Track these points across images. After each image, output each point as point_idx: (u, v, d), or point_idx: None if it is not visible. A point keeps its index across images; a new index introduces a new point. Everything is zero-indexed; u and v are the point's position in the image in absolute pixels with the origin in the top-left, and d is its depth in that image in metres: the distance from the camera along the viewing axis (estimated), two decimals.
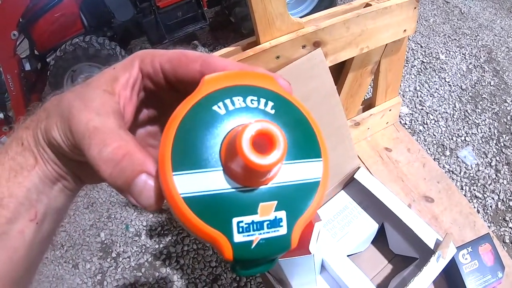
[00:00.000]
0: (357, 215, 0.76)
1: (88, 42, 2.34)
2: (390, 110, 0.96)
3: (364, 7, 0.73)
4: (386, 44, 0.79)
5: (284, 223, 0.18)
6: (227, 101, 0.18)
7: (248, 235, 0.17)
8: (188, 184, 0.17)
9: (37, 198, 0.24)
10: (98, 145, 0.19)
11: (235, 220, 0.17)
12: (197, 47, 2.94)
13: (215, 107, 0.18)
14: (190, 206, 0.17)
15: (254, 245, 0.17)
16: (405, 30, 0.77)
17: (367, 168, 0.92)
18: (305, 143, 0.19)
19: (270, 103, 0.19)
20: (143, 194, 0.19)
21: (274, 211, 0.18)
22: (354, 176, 0.78)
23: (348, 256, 0.72)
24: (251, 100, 0.19)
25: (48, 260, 1.75)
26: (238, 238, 0.17)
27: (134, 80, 0.23)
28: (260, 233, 0.18)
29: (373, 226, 0.74)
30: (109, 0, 2.31)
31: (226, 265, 1.59)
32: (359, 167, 0.79)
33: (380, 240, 0.76)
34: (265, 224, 0.18)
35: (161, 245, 1.72)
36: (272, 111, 0.19)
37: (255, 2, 0.60)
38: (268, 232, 0.18)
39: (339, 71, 0.84)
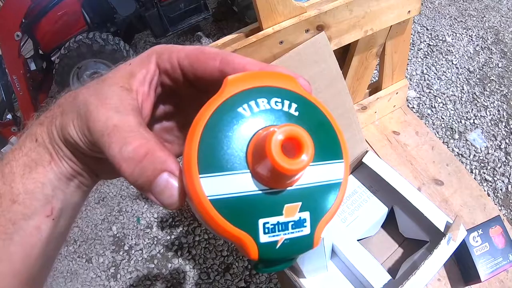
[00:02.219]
0: (367, 199, 0.76)
1: (92, 38, 2.34)
2: (397, 93, 0.95)
3: None
4: (391, 26, 0.78)
5: (307, 223, 0.18)
6: (252, 103, 0.18)
7: (273, 236, 0.18)
8: (214, 186, 0.17)
9: (53, 194, 0.24)
10: (119, 143, 0.19)
11: (261, 221, 0.18)
12: (201, 38, 2.92)
13: (240, 109, 0.18)
14: (217, 208, 0.17)
15: (279, 245, 0.18)
16: (409, 11, 0.76)
17: (376, 152, 0.91)
18: (328, 145, 0.20)
19: (294, 105, 0.19)
20: (164, 193, 0.19)
21: (299, 212, 0.18)
22: (363, 160, 0.78)
23: (358, 240, 0.72)
24: (275, 102, 0.19)
25: (62, 255, 1.79)
26: (264, 238, 0.18)
27: (151, 76, 0.23)
28: (285, 234, 0.18)
29: (383, 210, 0.74)
30: None
31: (238, 254, 1.60)
32: (367, 151, 0.78)
33: (390, 224, 0.76)
34: (289, 224, 0.18)
35: (173, 236, 1.73)
36: (296, 113, 0.19)
37: None
38: (293, 233, 0.18)
39: (344, 55, 0.83)
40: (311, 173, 0.19)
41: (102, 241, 1.81)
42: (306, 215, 0.18)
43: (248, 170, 0.18)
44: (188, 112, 0.26)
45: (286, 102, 0.19)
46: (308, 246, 0.19)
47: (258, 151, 0.17)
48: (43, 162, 0.23)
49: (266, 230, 0.18)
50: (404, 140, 0.92)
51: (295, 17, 0.67)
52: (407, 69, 2.14)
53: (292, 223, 0.18)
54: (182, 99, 0.26)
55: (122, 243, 1.79)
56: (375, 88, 0.96)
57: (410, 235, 0.73)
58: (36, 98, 2.58)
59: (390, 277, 0.63)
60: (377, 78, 0.96)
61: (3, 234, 0.22)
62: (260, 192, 0.18)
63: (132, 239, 1.80)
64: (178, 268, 1.62)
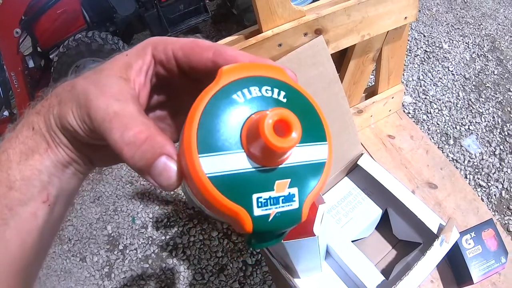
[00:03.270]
0: (361, 201, 0.77)
1: (91, 37, 2.34)
2: (392, 97, 0.96)
3: None
4: (388, 31, 0.79)
5: (296, 198, 0.20)
6: (245, 91, 0.20)
7: (266, 209, 0.19)
8: (212, 165, 0.18)
9: (49, 181, 0.24)
10: (120, 129, 0.20)
11: (255, 196, 0.19)
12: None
13: (234, 96, 0.20)
14: (215, 185, 0.18)
15: (271, 218, 0.20)
16: (406, 17, 0.77)
17: (371, 155, 0.92)
18: (313, 128, 0.22)
19: (283, 93, 0.21)
20: (162, 175, 0.20)
21: (288, 187, 0.20)
22: (358, 163, 0.79)
23: (352, 241, 0.73)
24: (266, 89, 0.21)
25: (56, 254, 1.78)
26: (257, 212, 0.19)
27: (147, 67, 0.24)
28: (276, 207, 0.20)
29: (377, 212, 0.75)
30: None
31: (232, 255, 1.61)
32: (362, 154, 0.80)
33: (384, 226, 0.77)
34: (280, 199, 0.20)
35: (168, 237, 1.74)
36: (285, 100, 0.21)
37: None
38: (283, 206, 0.20)
39: (341, 59, 0.84)
40: (299, 153, 0.20)
41: (97, 240, 1.81)
42: (294, 190, 0.20)
43: (243, 150, 0.19)
44: (180, 101, 0.28)
45: (276, 90, 0.21)
46: (297, 219, 0.20)
47: (252, 132, 0.18)
48: (39, 149, 0.24)
49: (259, 204, 0.19)
50: (399, 144, 0.93)
51: (294, 21, 0.68)
52: (403, 75, 2.17)
53: (283, 197, 0.20)
54: (175, 88, 0.27)
55: (117, 243, 1.79)
56: (371, 92, 0.97)
57: (403, 237, 0.74)
58: (34, 95, 2.57)
59: (384, 278, 0.64)
60: (373, 83, 0.98)
61: (0, 220, 0.22)
62: (254, 169, 0.19)
63: (127, 238, 1.79)
64: (172, 268, 1.62)
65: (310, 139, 0.21)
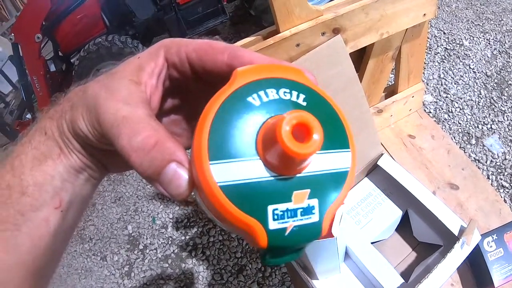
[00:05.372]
0: (381, 202, 0.76)
1: (110, 41, 2.39)
2: (413, 96, 0.95)
3: None
4: (406, 29, 0.78)
5: (316, 210, 0.18)
6: (261, 93, 0.19)
7: (282, 222, 0.18)
8: (224, 173, 0.17)
9: (62, 187, 0.24)
10: (128, 134, 0.19)
11: (270, 208, 0.17)
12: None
13: (249, 99, 0.18)
14: (226, 194, 0.17)
15: (288, 232, 0.18)
16: (425, 14, 0.76)
17: (391, 155, 0.91)
18: (335, 134, 0.20)
19: (302, 96, 0.20)
20: (172, 183, 0.19)
21: (307, 199, 0.18)
22: (378, 163, 0.78)
23: (372, 243, 0.72)
24: (284, 92, 0.19)
25: (77, 253, 1.83)
26: (273, 225, 0.17)
27: (159, 70, 0.23)
28: (294, 220, 0.18)
29: (397, 213, 0.74)
30: (130, 0, 2.36)
31: (251, 256, 1.61)
32: (382, 154, 0.79)
33: (404, 228, 0.76)
34: (298, 211, 0.18)
35: (187, 237, 1.75)
36: (304, 103, 0.19)
37: None
38: (301, 219, 0.18)
39: (360, 58, 0.84)
40: (319, 161, 0.19)
41: (117, 240, 1.84)
42: (314, 202, 0.18)
43: (258, 157, 0.18)
44: (196, 105, 0.26)
45: (294, 93, 0.19)
46: (317, 234, 0.19)
47: (268, 138, 0.17)
48: (52, 155, 0.23)
49: (276, 217, 0.18)
50: (419, 144, 0.92)
51: (311, 20, 0.68)
52: (423, 73, 2.12)
53: (301, 210, 0.18)
54: (190, 92, 0.26)
55: (137, 242, 1.82)
56: (391, 91, 0.96)
57: (424, 239, 0.73)
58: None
59: (403, 281, 0.63)
60: (393, 82, 0.96)
61: (12, 225, 0.22)
62: (270, 178, 0.18)
63: (147, 238, 1.82)
64: (191, 268, 1.64)
65: (331, 146, 0.19)
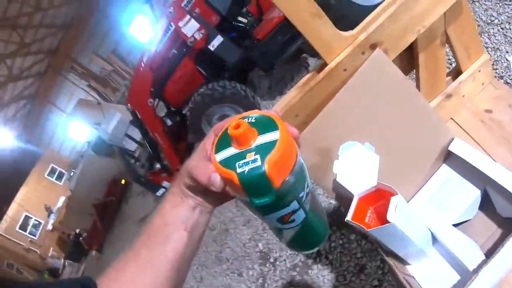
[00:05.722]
0: (459, 185, 0.80)
1: (211, 88, 2.76)
2: (479, 70, 0.94)
3: None
4: (444, 13, 0.80)
5: (259, 160, 0.36)
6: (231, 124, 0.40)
7: (242, 168, 0.37)
8: (220, 156, 0.39)
9: (186, 219, 0.47)
10: (198, 173, 0.44)
11: (237, 163, 0.37)
12: (306, 59, 3.17)
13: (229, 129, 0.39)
14: (220, 163, 0.38)
15: (246, 171, 0.36)
16: None
17: (471, 137, 0.91)
18: (268, 126, 0.39)
19: (253, 118, 0.40)
20: (215, 183, 0.42)
21: (254, 156, 0.37)
22: (449, 148, 0.82)
23: (456, 225, 0.76)
24: (245, 118, 0.41)
25: (217, 273, 2.14)
26: (239, 170, 0.37)
27: (210, 142, 0.45)
28: (248, 166, 0.36)
29: (475, 193, 0.76)
30: (217, 50, 2.69)
31: (371, 254, 1.67)
32: (453, 139, 0.82)
33: (487, 206, 0.77)
34: (250, 162, 0.37)
35: None
36: (253, 120, 0.40)
37: (310, 35, 0.74)
38: (252, 165, 0.36)
39: (410, 56, 0.89)
40: (261, 139, 0.38)
41: (250, 257, 2.10)
42: (257, 156, 0.37)
43: (231, 146, 0.39)
44: None
45: (250, 118, 0.41)
46: (262, 172, 0.36)
47: (228, 134, 0.39)
48: (177, 203, 0.47)
49: (239, 166, 0.37)
50: (497, 117, 0.90)
51: (349, 46, 0.78)
52: (494, 36, 1.88)
53: (251, 160, 0.37)
54: None
55: (268, 257, 2.04)
56: (455, 73, 0.97)
57: (507, 214, 0.74)
58: (177, 147, 3.15)
59: (484, 257, 0.67)
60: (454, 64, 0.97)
61: (162, 243, 0.45)
62: (236, 151, 0.38)
63: (276, 252, 2.03)
64: (317, 273, 1.78)
65: (265, 131, 0.38)
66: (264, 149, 0.37)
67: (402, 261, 0.78)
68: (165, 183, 3.43)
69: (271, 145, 0.37)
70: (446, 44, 0.89)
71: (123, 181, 6.99)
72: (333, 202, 1.88)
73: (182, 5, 2.74)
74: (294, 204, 0.40)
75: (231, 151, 0.38)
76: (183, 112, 3.14)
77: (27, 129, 11.66)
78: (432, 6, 0.78)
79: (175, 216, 0.46)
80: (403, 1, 0.75)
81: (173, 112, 3.25)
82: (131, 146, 5.05)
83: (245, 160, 0.37)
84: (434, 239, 0.77)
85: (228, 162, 0.38)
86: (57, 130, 11.94)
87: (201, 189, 0.45)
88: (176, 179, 0.48)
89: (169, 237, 0.45)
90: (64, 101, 11.63)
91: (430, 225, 0.76)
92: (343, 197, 0.80)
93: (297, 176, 0.39)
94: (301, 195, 0.40)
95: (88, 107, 8.90)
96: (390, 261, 0.79)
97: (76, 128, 9.56)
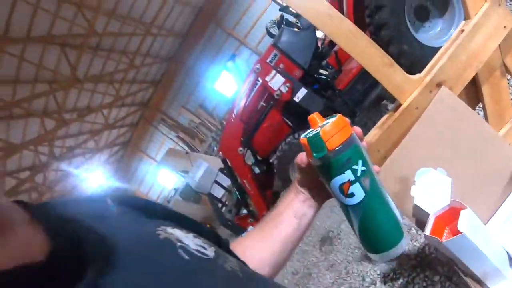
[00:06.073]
0: None
1: (298, 138, 2.94)
2: None
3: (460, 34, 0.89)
4: (499, 45, 0.89)
5: (319, 129, 0.52)
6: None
7: (309, 134, 0.54)
8: (304, 135, 0.57)
9: (297, 209, 0.64)
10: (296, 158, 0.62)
11: (309, 134, 0.54)
12: (387, 105, 3.20)
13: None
14: (302, 137, 0.56)
15: (310, 135, 0.53)
16: (505, 27, 0.86)
17: None
18: (333, 117, 0.54)
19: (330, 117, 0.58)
20: (301, 159, 0.60)
21: (317, 128, 0.54)
22: None
23: None
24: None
25: None
26: (308, 136, 0.54)
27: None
28: (312, 133, 0.54)
29: None
30: (301, 101, 2.91)
31: None
32: None
33: None
34: (313, 131, 0.54)
35: None
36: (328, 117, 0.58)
37: (385, 81, 0.90)
38: (314, 131, 0.53)
39: (475, 90, 0.98)
40: (325, 123, 0.54)
41: None
42: (319, 128, 0.53)
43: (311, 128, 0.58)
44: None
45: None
46: (317, 134, 0.52)
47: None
48: (292, 197, 0.65)
49: (308, 134, 0.54)
50: None
51: (418, 87, 0.91)
52: None
53: (315, 129, 0.54)
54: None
55: None
56: None
57: None
58: (265, 195, 3.34)
59: None
60: None
61: (278, 224, 0.63)
62: (312, 130, 0.56)
63: None
64: None
65: (330, 118, 0.54)
66: (324, 125, 0.53)
67: (480, 283, 0.82)
68: (250, 228, 3.59)
69: (328, 123, 0.52)
70: (507, 74, 0.97)
71: (208, 225, 7.25)
72: (417, 244, 1.87)
73: (268, 61, 3.02)
74: (349, 174, 0.51)
75: (310, 131, 0.55)
76: (270, 161, 3.35)
77: (118, 172, 12.26)
78: (485, 43, 0.88)
79: (289, 208, 0.63)
80: (459, 42, 0.87)
81: (260, 161, 3.47)
82: (219, 193, 5.36)
83: (312, 132, 0.54)
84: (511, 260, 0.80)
85: (305, 136, 0.54)
86: (147, 176, 12.60)
87: (307, 183, 0.63)
88: (293, 184, 0.66)
89: (283, 221, 0.63)
90: (154, 149, 12.42)
91: (507, 246, 0.80)
92: (423, 221, 0.89)
93: (349, 150, 0.51)
94: (354, 167, 0.51)
95: (176, 156, 9.46)
96: (468, 281, 0.84)
97: (165, 175, 10.21)
